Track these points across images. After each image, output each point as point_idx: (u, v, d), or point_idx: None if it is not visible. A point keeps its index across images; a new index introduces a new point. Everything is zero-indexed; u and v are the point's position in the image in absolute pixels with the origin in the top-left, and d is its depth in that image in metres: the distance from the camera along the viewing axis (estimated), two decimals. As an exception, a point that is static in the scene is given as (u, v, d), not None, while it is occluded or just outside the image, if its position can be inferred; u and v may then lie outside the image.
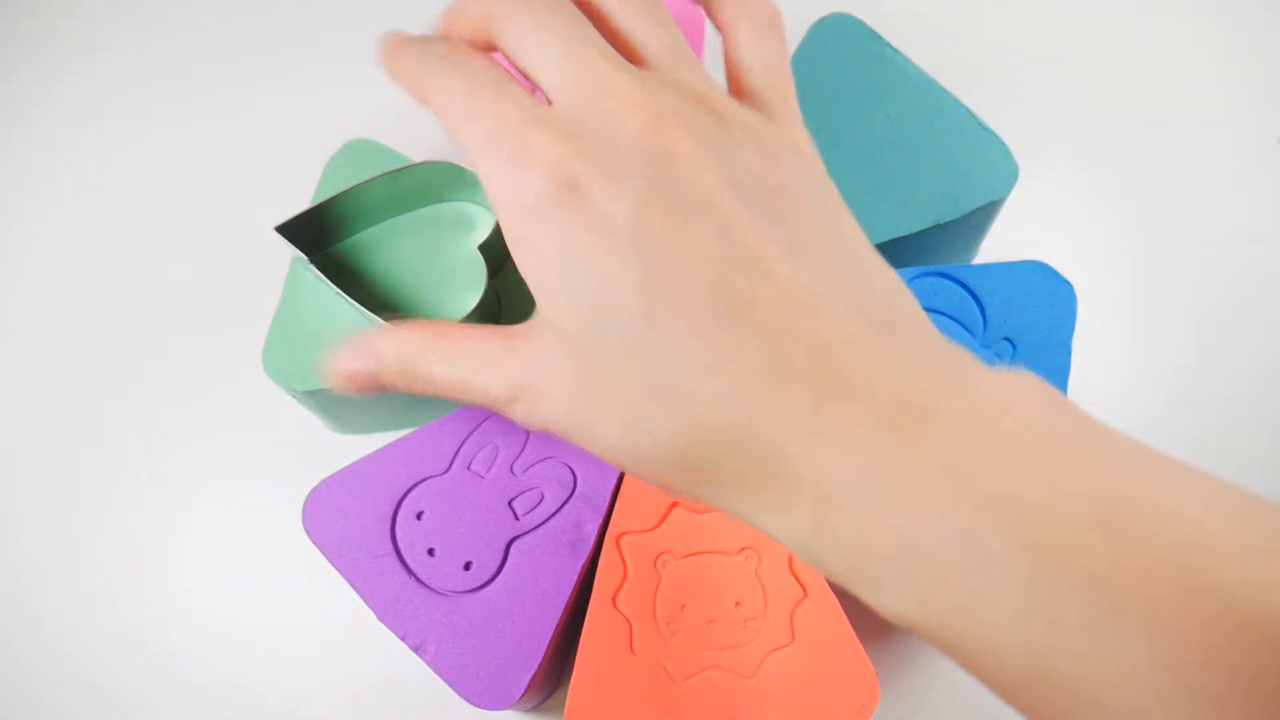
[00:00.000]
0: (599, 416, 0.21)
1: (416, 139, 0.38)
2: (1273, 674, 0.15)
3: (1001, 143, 0.35)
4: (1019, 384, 0.19)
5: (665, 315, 0.20)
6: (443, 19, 0.25)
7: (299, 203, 0.37)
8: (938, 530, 0.17)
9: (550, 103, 0.22)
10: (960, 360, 0.20)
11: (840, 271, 0.21)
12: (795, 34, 0.37)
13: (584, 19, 0.23)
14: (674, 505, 0.31)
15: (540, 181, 0.20)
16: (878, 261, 0.22)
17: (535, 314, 0.22)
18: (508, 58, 0.24)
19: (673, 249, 0.20)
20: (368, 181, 0.35)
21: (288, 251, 0.35)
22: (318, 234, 0.36)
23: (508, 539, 0.30)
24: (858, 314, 0.20)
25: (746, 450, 0.19)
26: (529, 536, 0.30)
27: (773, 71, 0.24)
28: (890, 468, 0.18)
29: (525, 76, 0.23)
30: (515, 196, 0.21)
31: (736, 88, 0.25)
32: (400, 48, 0.25)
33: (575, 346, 0.21)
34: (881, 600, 0.18)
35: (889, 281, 0.22)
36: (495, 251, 0.35)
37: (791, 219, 0.21)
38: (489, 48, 0.24)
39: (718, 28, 0.25)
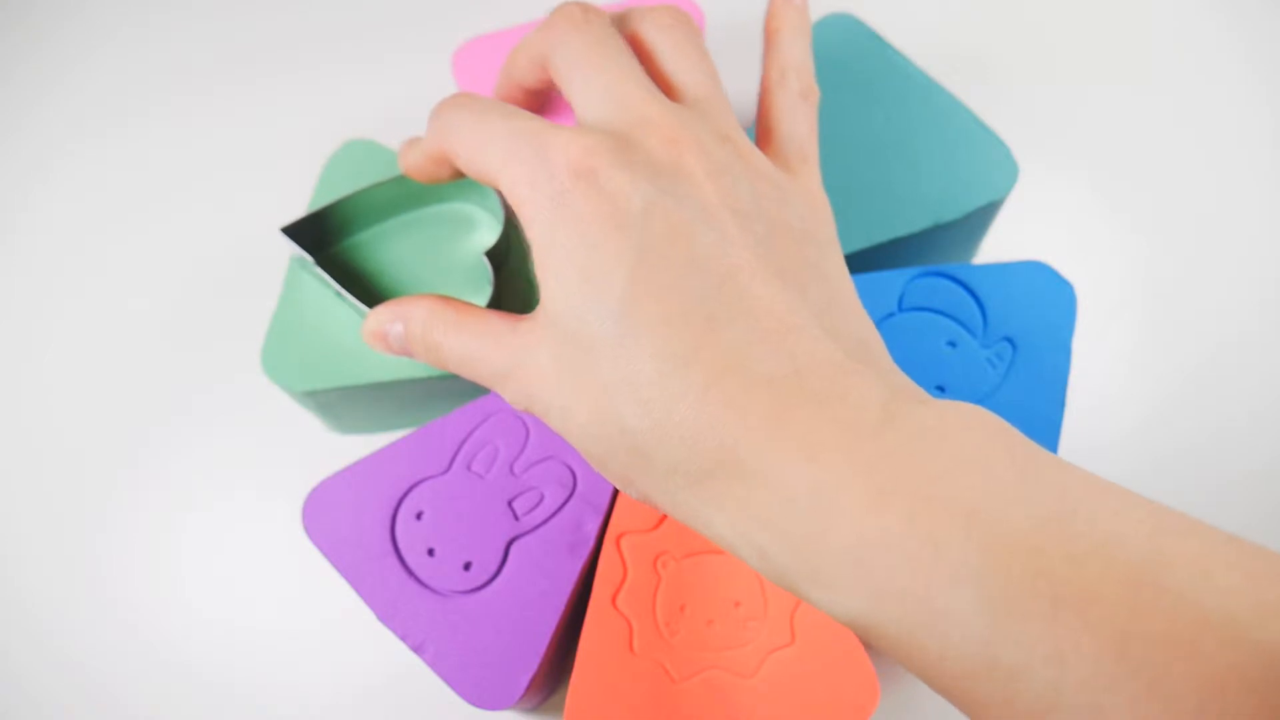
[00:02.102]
0: (574, 401, 0.22)
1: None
2: (1237, 672, 0.15)
3: (1001, 143, 0.35)
4: (975, 412, 0.19)
5: (645, 309, 0.20)
6: (510, 56, 0.27)
7: (299, 202, 0.37)
8: (893, 528, 0.18)
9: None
10: (921, 392, 0.21)
11: (820, 303, 0.22)
12: (795, 34, 0.37)
13: (630, 54, 0.24)
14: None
15: (564, 172, 0.21)
16: (858, 307, 0.24)
17: (541, 299, 0.23)
18: (556, 84, 0.25)
19: (666, 248, 0.21)
20: (375, 185, 0.35)
21: (287, 251, 0.35)
22: (321, 235, 0.36)
23: (508, 539, 0.30)
24: (830, 339, 0.21)
25: (707, 447, 0.20)
26: (529, 536, 0.30)
27: (801, 136, 0.26)
28: (848, 469, 0.18)
29: (572, 105, 0.24)
30: (540, 188, 0.22)
31: (763, 140, 0.26)
32: (412, 142, 0.27)
33: (563, 331, 0.22)
34: (833, 598, 0.19)
35: (865, 324, 0.23)
36: (497, 255, 0.35)
37: (784, 252, 0.22)
38: (546, 82, 0.26)
39: (763, 85, 0.27)
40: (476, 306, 0.25)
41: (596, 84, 0.23)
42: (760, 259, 0.21)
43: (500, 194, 0.31)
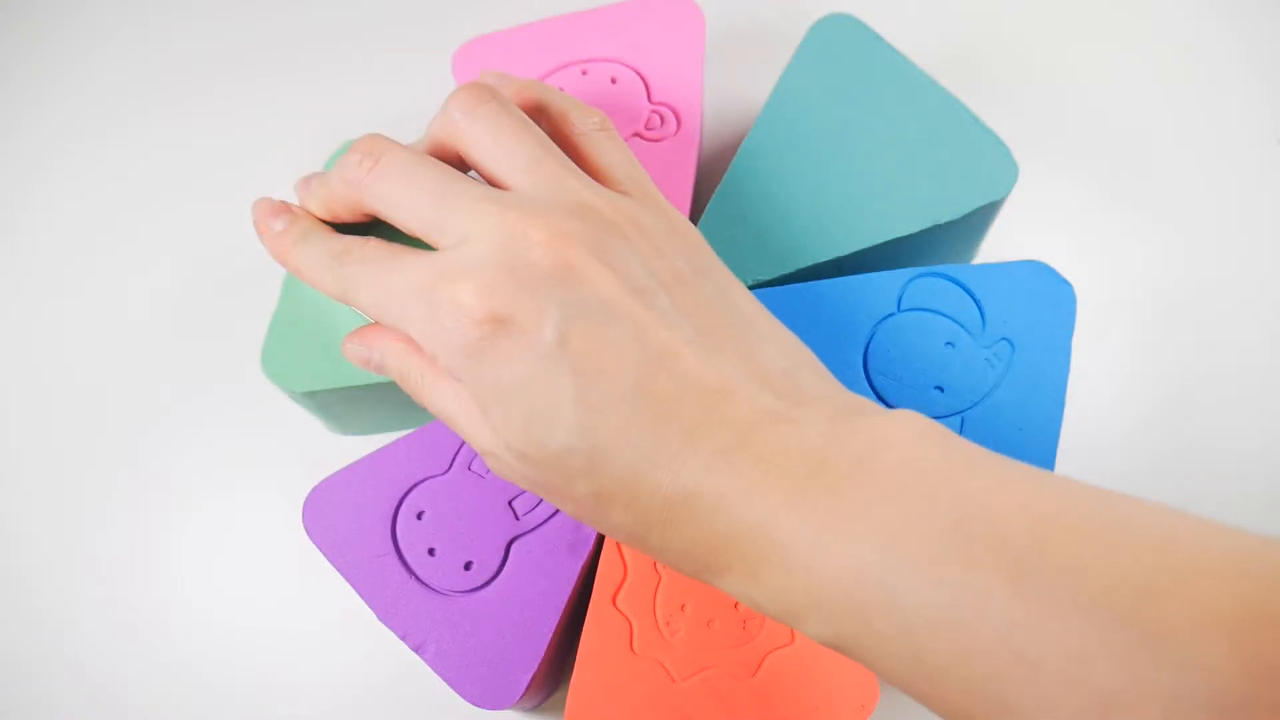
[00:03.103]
0: (560, 502, 0.24)
1: (416, 139, 0.38)
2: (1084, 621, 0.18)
3: (1001, 143, 0.35)
4: (900, 429, 0.22)
5: (600, 428, 0.22)
6: (327, 195, 0.28)
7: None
8: (834, 562, 0.20)
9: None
10: (854, 410, 0.23)
11: (745, 351, 0.24)
12: (795, 34, 0.37)
13: (443, 168, 0.25)
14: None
15: (468, 325, 0.22)
16: (774, 327, 0.25)
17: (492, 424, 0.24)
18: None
19: (595, 363, 0.22)
20: None
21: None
22: None
23: (508, 539, 0.30)
24: (766, 391, 0.23)
25: (688, 530, 0.22)
26: (529, 536, 0.30)
27: (625, 164, 0.27)
28: (797, 518, 0.21)
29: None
30: (451, 343, 0.23)
31: (603, 182, 0.27)
32: (279, 230, 0.28)
33: (526, 459, 0.23)
34: (808, 629, 0.21)
35: (787, 347, 0.25)
36: None
37: (692, 310, 0.24)
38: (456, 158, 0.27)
39: (569, 146, 0.28)
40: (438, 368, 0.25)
41: (430, 216, 0.24)
42: (679, 333, 0.23)
43: None
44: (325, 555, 0.30)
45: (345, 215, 0.27)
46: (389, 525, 0.30)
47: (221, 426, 0.40)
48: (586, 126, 0.27)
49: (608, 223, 0.24)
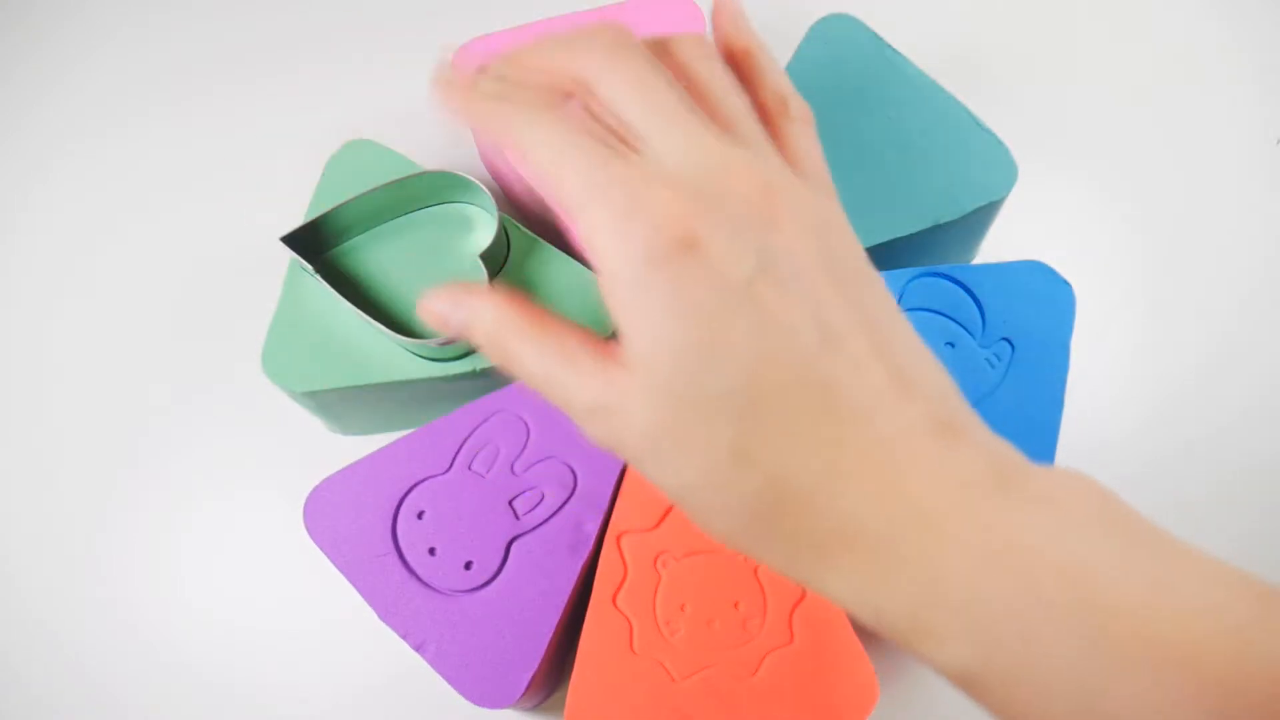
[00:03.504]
0: (681, 463, 0.22)
1: (416, 139, 0.38)
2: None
3: (1001, 143, 0.35)
4: (1079, 480, 0.21)
5: (768, 380, 0.21)
6: (517, 61, 0.25)
7: (299, 203, 0.37)
8: (1005, 587, 0.19)
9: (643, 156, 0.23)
10: (1018, 460, 0.22)
11: (905, 359, 0.23)
12: (795, 34, 0.37)
13: (674, 81, 0.24)
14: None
15: (660, 235, 0.21)
16: (921, 343, 0.24)
17: (626, 349, 0.22)
18: (603, 110, 0.24)
19: (780, 318, 0.21)
20: (372, 191, 0.35)
21: (287, 252, 0.35)
22: (321, 242, 0.36)
23: (508, 539, 0.30)
24: (923, 404, 0.22)
25: (826, 516, 0.21)
26: (529, 536, 0.30)
27: (823, 168, 0.26)
28: (963, 529, 0.19)
29: (619, 131, 0.23)
30: (628, 246, 0.21)
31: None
32: (473, 83, 0.25)
33: (670, 394, 0.21)
34: (943, 651, 0.20)
35: (933, 363, 0.24)
36: (494, 258, 0.35)
37: (867, 304, 0.23)
38: (569, 97, 0.24)
39: (768, 121, 0.26)
40: (555, 318, 0.24)
41: (657, 122, 0.23)
42: (856, 325, 0.22)
43: (494, 195, 0.30)
44: (326, 555, 0.30)
45: (543, 78, 0.24)
46: (389, 525, 0.30)
47: (221, 426, 0.40)
48: (792, 117, 0.26)
49: (805, 200, 0.23)
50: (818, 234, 0.22)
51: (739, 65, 0.27)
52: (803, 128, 0.26)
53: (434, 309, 0.25)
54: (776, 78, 0.27)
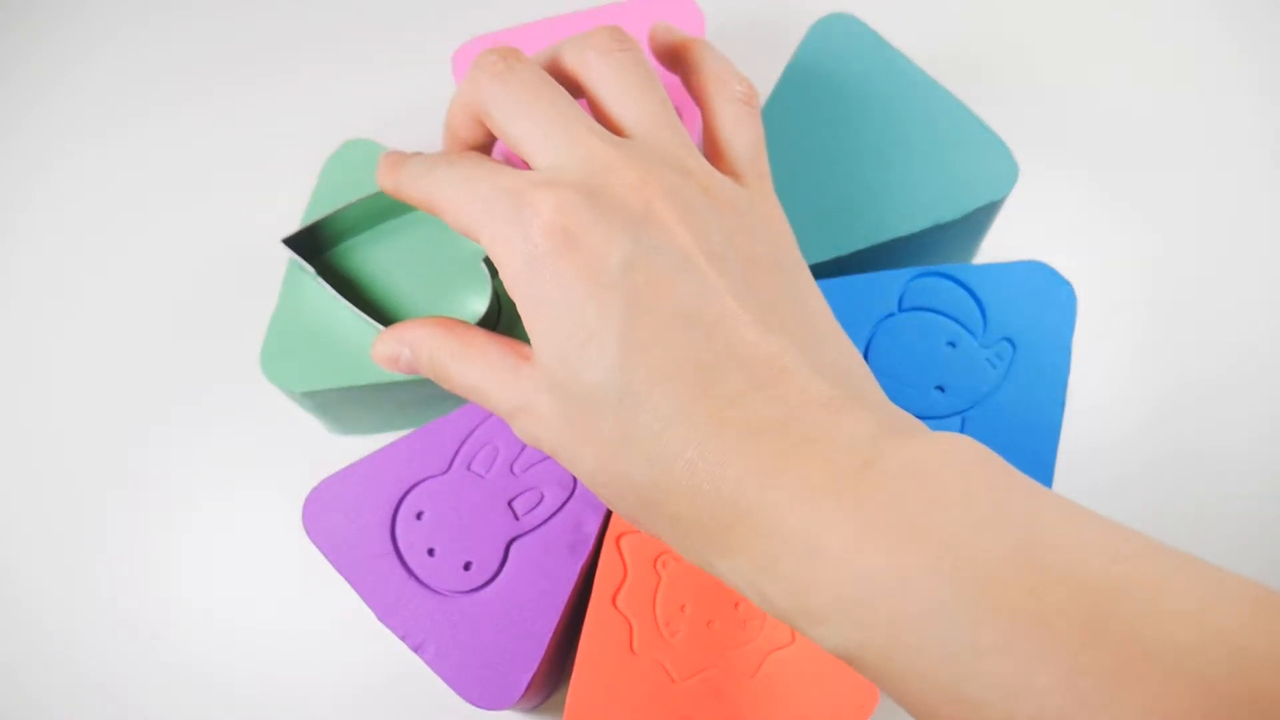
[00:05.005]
0: (579, 450, 0.23)
1: (416, 139, 0.38)
2: (1175, 702, 0.16)
3: (1001, 143, 0.35)
4: (958, 445, 0.20)
5: (640, 367, 0.21)
6: (448, 113, 0.27)
7: (299, 202, 0.37)
8: (875, 565, 0.18)
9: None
10: (908, 425, 0.21)
11: (803, 338, 0.23)
12: (795, 34, 0.37)
13: (565, 95, 0.25)
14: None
15: (540, 234, 0.22)
16: (835, 328, 0.25)
17: (532, 349, 0.23)
18: (499, 137, 0.25)
19: (651, 303, 0.21)
20: (374, 195, 0.35)
21: (286, 252, 0.35)
22: (321, 242, 0.36)
23: (508, 539, 0.30)
24: (818, 377, 0.22)
25: (708, 498, 0.21)
26: (529, 536, 0.30)
27: (752, 147, 0.26)
28: (836, 510, 0.19)
29: (519, 155, 0.25)
30: (517, 249, 0.22)
31: (715, 156, 0.27)
32: (397, 164, 0.27)
33: (560, 387, 0.22)
34: (825, 633, 0.19)
35: (846, 348, 0.24)
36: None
37: (762, 288, 0.23)
38: (489, 136, 0.27)
39: (697, 101, 0.27)
40: (479, 335, 0.26)
41: (537, 133, 0.24)
42: (742, 303, 0.22)
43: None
44: (325, 555, 0.30)
45: (459, 119, 0.27)
46: (388, 525, 0.30)
47: (221, 426, 0.40)
48: (732, 94, 0.27)
49: (702, 189, 0.24)
50: (704, 232, 0.23)
51: (677, 61, 0.28)
52: (740, 107, 0.27)
53: (382, 353, 0.27)
54: (716, 64, 0.27)
